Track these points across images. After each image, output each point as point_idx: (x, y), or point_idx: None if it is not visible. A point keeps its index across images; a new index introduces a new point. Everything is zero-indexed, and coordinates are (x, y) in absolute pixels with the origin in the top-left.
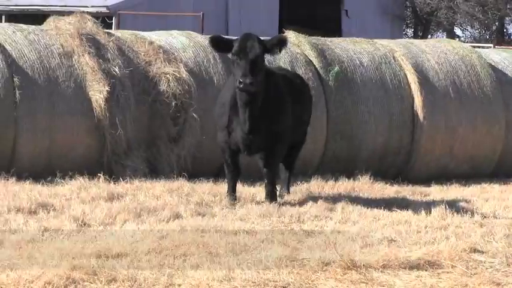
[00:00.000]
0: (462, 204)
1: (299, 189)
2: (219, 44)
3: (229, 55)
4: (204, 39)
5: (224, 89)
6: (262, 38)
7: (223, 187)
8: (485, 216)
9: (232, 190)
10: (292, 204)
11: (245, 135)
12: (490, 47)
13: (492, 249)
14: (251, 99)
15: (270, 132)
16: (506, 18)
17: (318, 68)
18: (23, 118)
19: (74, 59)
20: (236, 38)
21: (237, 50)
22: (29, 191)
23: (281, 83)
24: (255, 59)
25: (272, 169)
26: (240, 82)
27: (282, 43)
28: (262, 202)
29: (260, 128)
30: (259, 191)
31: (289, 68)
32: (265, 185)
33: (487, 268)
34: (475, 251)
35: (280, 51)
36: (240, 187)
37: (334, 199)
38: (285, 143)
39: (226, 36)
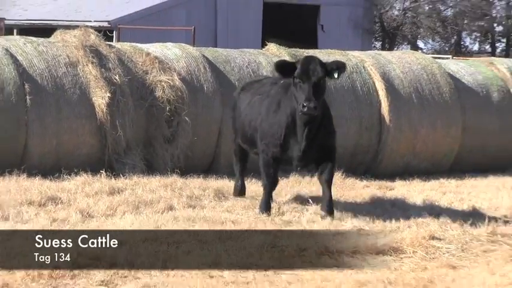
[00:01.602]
0: (423, 196)
1: (280, 184)
2: (283, 68)
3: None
4: (195, 51)
5: (273, 107)
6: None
7: (212, 182)
8: (442, 208)
9: (270, 198)
10: (273, 198)
11: (301, 152)
12: (449, 57)
13: (449, 237)
14: (311, 120)
15: (322, 146)
16: (463, 32)
17: None
18: (33, 121)
19: (78, 68)
20: (298, 60)
21: (300, 72)
22: (39, 186)
23: None
24: (318, 81)
25: (332, 178)
26: (303, 106)
27: (340, 69)
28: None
29: (314, 144)
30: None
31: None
32: (326, 192)
33: (444, 253)
34: (433, 238)
35: (338, 76)
36: (226, 182)
37: (311, 193)
38: (335, 151)
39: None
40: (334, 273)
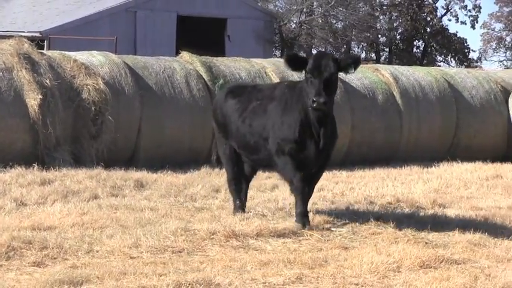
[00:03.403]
0: (318, 186)
1: (192, 175)
2: (294, 62)
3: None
4: (117, 58)
5: (282, 108)
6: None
7: (132, 173)
8: (335, 196)
9: (306, 207)
10: (186, 187)
11: (318, 152)
12: None
13: (341, 221)
14: (324, 116)
15: (330, 149)
16: (352, 42)
17: (207, 81)
18: None
19: (13, 73)
20: (311, 55)
21: (311, 68)
22: None
23: None
24: (330, 77)
25: (314, 187)
26: (313, 101)
27: (356, 63)
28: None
29: (328, 145)
30: (160, 177)
31: (184, 81)
32: (304, 202)
33: (337, 236)
34: (327, 222)
35: (354, 71)
36: (145, 174)
37: (219, 183)
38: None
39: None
40: (240, 254)
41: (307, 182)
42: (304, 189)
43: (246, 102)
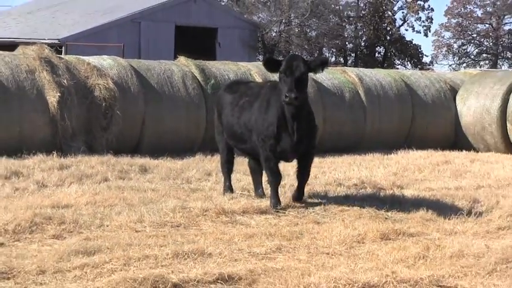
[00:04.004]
0: (294, 170)
1: (188, 161)
2: (271, 64)
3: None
4: (124, 61)
5: (264, 105)
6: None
7: (137, 160)
8: (310, 179)
9: (277, 193)
10: (183, 171)
11: (294, 143)
12: None
13: (314, 200)
14: (297, 112)
15: (309, 141)
16: (324, 48)
17: (200, 81)
18: (1, 114)
19: (36, 74)
20: (284, 58)
21: (284, 68)
22: (5, 163)
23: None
24: (300, 76)
25: (309, 172)
26: (286, 96)
27: (324, 64)
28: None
29: (304, 137)
30: (161, 162)
31: (181, 81)
32: (300, 186)
33: (311, 212)
34: (303, 201)
35: (322, 71)
36: (148, 160)
37: (211, 168)
38: (315, 148)
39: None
40: (229, 228)
41: (300, 168)
42: (277, 184)
43: (238, 98)
